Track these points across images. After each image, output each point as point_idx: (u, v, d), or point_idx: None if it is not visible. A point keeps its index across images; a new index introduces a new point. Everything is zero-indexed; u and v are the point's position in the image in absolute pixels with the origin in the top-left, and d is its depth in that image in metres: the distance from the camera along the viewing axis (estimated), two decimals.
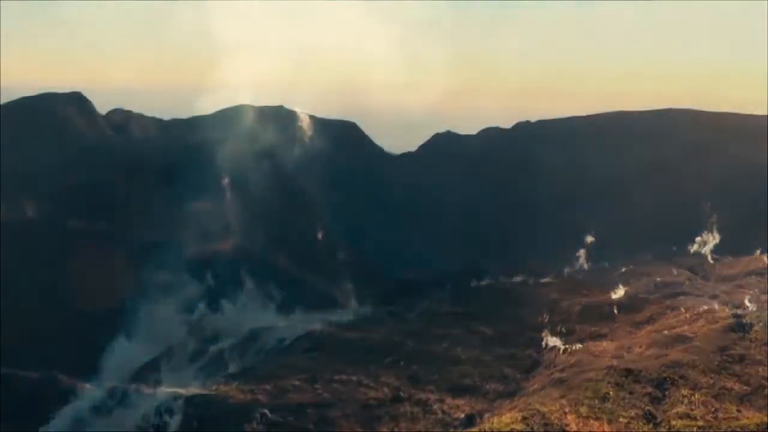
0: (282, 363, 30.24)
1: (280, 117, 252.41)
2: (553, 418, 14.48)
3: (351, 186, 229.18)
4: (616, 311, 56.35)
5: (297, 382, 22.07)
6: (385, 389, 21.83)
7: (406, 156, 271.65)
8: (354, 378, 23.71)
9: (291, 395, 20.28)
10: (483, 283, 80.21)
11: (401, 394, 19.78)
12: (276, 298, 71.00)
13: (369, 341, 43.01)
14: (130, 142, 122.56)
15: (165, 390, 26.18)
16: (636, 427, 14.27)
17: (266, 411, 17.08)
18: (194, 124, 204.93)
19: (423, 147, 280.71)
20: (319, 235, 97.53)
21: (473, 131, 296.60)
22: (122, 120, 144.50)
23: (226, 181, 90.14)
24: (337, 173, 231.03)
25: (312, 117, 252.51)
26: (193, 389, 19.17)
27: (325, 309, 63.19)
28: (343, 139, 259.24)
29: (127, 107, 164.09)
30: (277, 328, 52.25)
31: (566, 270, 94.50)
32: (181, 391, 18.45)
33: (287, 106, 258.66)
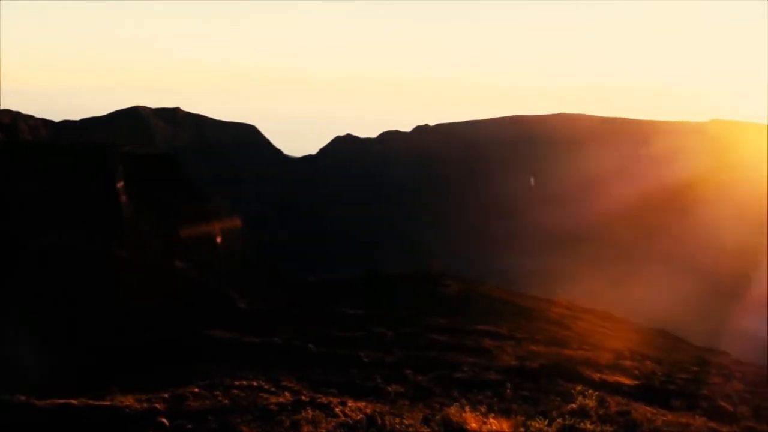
0: (180, 370, 29.63)
1: (178, 119, 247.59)
2: (453, 417, 14.65)
3: (250, 189, 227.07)
4: (515, 310, 57.71)
5: (196, 389, 21.60)
6: (287, 393, 21.61)
7: (307, 159, 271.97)
8: (255, 383, 23.37)
9: (190, 402, 19.83)
10: (385, 284, 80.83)
11: (302, 397, 19.63)
12: None
13: (269, 345, 42.69)
14: (18, 143, 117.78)
15: (57, 401, 25.33)
16: (533, 423, 14.60)
17: (164, 419, 16.63)
18: (87, 125, 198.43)
19: (323, 150, 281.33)
20: (218, 239, 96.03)
21: (373, 134, 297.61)
22: (10, 121, 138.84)
23: (120, 184, 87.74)
24: (236, 176, 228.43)
25: (210, 119, 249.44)
26: (86, 399, 18.54)
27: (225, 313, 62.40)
28: (242, 141, 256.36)
29: (15, 108, 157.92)
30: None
31: (468, 271, 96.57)
32: (74, 401, 17.79)
33: (185, 107, 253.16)
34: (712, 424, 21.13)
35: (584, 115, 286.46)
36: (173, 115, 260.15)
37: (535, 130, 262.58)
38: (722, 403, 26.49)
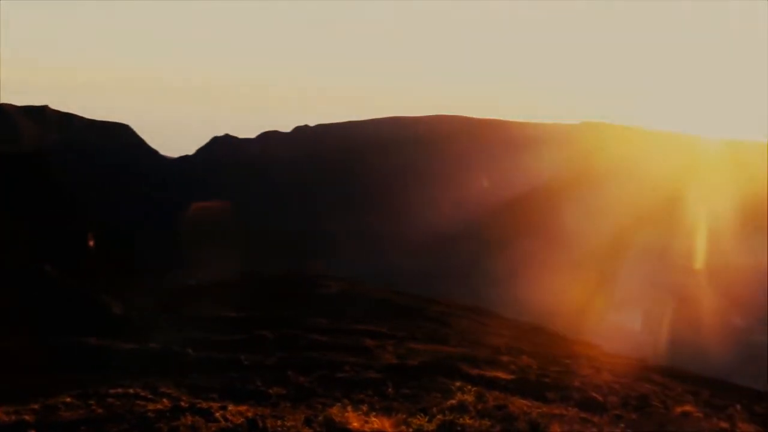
0: (50, 379, 28.41)
1: (46, 117, 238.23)
2: (335, 417, 14.70)
3: (125, 189, 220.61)
4: (396, 309, 58.27)
5: (68, 399, 20.78)
6: (165, 400, 21.09)
7: (184, 159, 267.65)
8: (131, 390, 22.69)
9: (62, 413, 19.06)
10: (265, 285, 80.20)
11: (181, 404, 19.22)
12: None
13: (146, 351, 41.49)
14: None
15: None
16: (414, 420, 14.82)
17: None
18: None
19: (201, 150, 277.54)
20: (90, 242, 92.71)
21: (252, 134, 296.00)
22: None
23: None
24: (110, 176, 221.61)
25: (81, 118, 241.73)
26: None
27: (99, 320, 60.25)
28: (116, 141, 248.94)
29: None
30: None
31: (349, 270, 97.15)
32: None
33: (53, 105, 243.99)
34: (584, 414, 22.00)
35: (461, 116, 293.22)
36: (41, 113, 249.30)
37: (413, 130, 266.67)
38: (593, 394, 27.59)
